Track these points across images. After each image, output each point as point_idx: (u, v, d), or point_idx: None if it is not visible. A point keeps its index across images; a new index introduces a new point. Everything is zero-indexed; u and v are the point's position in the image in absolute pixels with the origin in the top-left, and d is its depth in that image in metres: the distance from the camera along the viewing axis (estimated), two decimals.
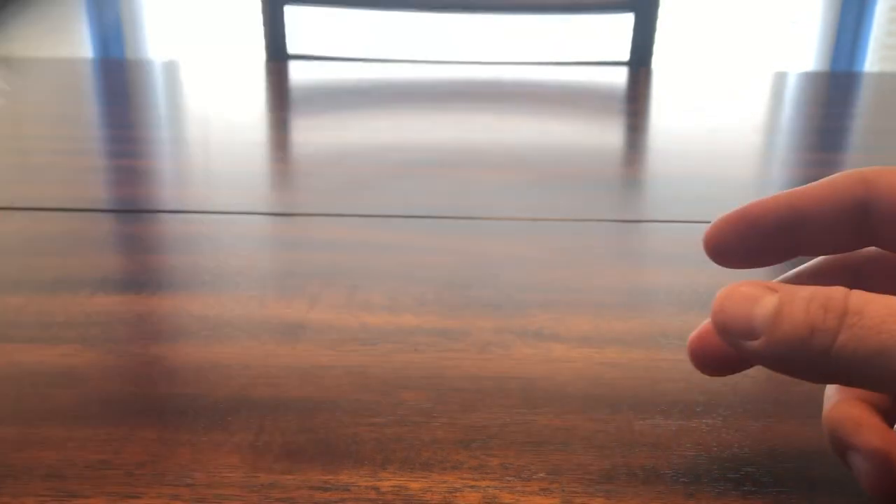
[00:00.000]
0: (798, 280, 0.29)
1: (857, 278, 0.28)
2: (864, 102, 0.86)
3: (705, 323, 0.27)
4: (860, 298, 0.22)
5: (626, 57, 1.13)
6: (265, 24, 1.13)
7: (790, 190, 0.27)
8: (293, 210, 0.53)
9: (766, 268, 0.28)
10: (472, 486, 0.28)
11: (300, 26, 2.28)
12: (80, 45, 2.22)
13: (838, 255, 0.28)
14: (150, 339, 0.37)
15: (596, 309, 0.40)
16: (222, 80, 0.92)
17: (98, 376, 0.34)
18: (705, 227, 0.28)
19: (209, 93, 0.86)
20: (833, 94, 0.89)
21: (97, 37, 2.32)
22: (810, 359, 0.22)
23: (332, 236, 0.49)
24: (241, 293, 0.41)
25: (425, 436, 0.30)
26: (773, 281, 0.26)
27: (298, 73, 0.97)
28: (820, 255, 0.28)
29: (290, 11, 1.16)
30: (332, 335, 0.37)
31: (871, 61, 2.28)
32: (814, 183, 0.27)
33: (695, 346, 0.27)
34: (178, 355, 0.36)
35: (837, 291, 0.22)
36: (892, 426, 0.26)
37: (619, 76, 0.97)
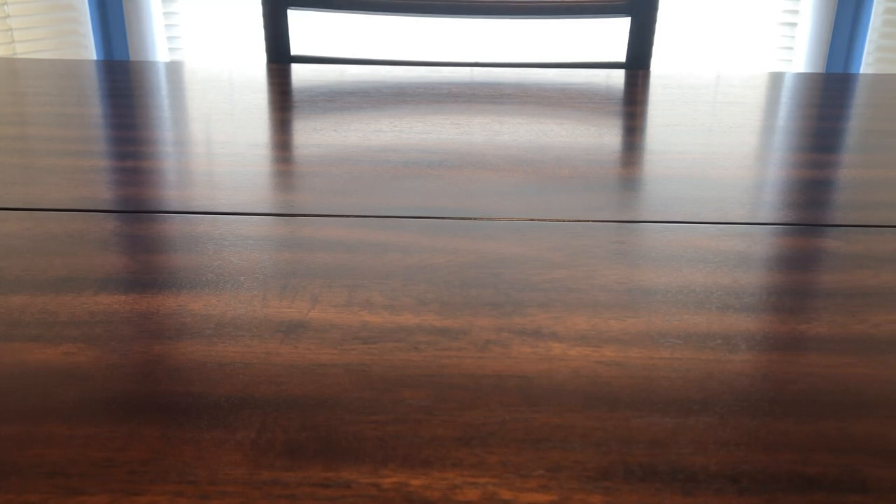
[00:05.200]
0: None
1: None
2: (860, 103, 0.86)
3: None
4: None
5: (623, 59, 1.14)
6: (266, 26, 1.14)
7: None
8: (295, 210, 0.53)
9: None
10: (471, 483, 0.28)
11: (301, 29, 2.29)
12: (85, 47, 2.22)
13: None
14: (153, 338, 0.37)
15: (594, 308, 0.41)
16: (224, 82, 0.92)
17: (101, 375, 0.34)
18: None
19: (211, 94, 0.86)
20: (829, 95, 0.89)
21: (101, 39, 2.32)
22: None
23: (333, 236, 0.49)
24: (244, 292, 0.42)
25: (425, 433, 0.31)
26: None
27: (300, 74, 0.97)
28: None
29: (292, 15, 1.16)
30: (333, 334, 0.38)
31: (867, 63, 2.28)
32: None
33: None
34: (180, 354, 0.36)
35: None
36: None
37: (617, 78, 0.98)
